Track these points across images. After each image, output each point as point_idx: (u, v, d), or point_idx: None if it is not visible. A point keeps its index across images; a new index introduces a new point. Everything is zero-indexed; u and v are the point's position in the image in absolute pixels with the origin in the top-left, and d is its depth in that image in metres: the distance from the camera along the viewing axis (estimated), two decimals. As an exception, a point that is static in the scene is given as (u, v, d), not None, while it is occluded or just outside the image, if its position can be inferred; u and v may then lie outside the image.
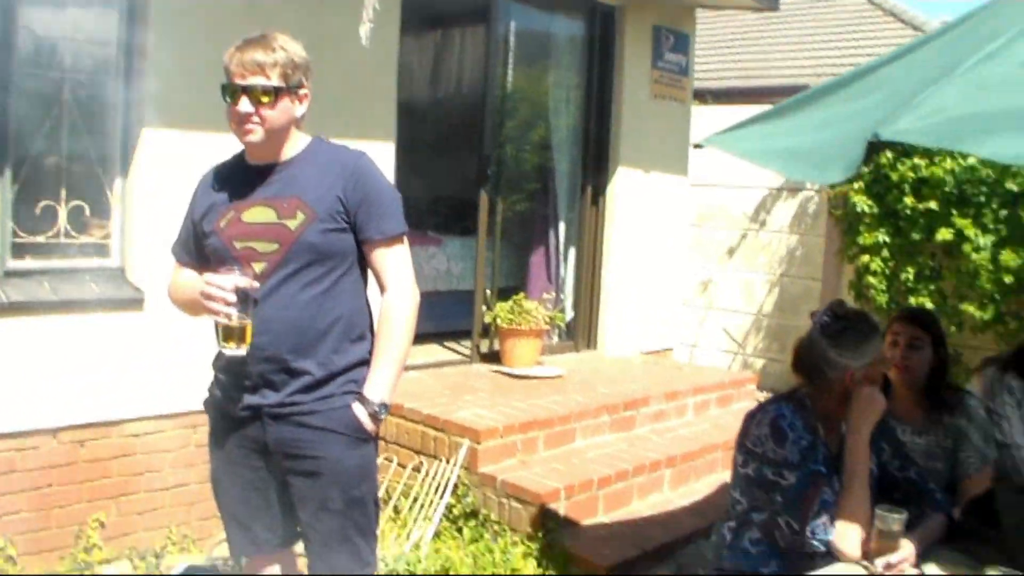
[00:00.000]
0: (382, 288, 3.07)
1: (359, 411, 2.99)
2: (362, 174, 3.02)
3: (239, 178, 3.07)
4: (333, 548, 3.08)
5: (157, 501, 5.19)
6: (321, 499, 3.03)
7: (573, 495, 5.26)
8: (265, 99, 2.89)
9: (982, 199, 7.60)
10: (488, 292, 7.29)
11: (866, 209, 8.14)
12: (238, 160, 3.14)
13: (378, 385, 3.01)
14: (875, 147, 2.32)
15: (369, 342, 3.09)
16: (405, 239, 3.11)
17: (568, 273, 8.04)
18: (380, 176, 3.08)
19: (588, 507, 5.36)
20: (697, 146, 3.62)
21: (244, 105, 2.88)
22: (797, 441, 3.03)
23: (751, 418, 3.19)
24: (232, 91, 2.90)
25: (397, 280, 3.06)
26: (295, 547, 3.29)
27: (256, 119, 2.90)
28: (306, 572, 3.27)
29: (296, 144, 3.06)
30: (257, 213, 2.99)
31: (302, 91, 3.01)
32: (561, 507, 5.19)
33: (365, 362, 3.06)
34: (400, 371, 3.09)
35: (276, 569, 3.29)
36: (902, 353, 3.84)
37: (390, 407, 3.07)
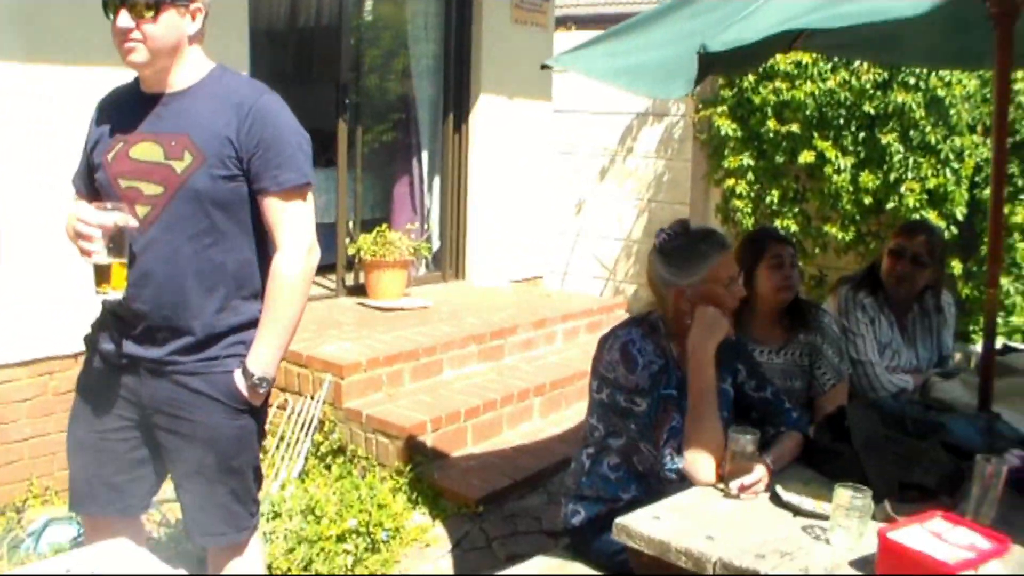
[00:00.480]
0: (275, 247, 2.84)
1: (239, 381, 2.82)
2: (260, 115, 2.76)
3: (130, 106, 2.81)
4: (207, 511, 2.94)
5: (15, 453, 4.95)
6: (195, 463, 2.87)
7: (441, 427, 5.22)
8: (147, 13, 2.62)
9: (841, 122, 7.70)
10: (351, 224, 7.15)
11: (730, 133, 8.18)
12: (133, 86, 2.87)
13: (260, 357, 2.82)
14: (716, 64, 2.27)
15: (262, 302, 2.87)
16: (308, 193, 2.88)
17: (433, 203, 7.94)
18: (283, 118, 2.83)
19: (456, 439, 5.32)
20: (544, 66, 3.54)
21: (123, 20, 2.62)
22: (648, 366, 2.99)
23: (604, 343, 3.14)
24: (111, 5, 2.64)
25: (291, 239, 2.81)
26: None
27: (137, 35, 2.64)
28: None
29: (193, 71, 2.80)
30: (145, 149, 2.74)
31: (193, 4, 2.74)
32: (429, 440, 5.14)
33: (257, 323, 2.85)
34: (287, 341, 2.89)
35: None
36: (788, 273, 3.85)
37: (272, 381, 2.89)
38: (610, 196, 9.60)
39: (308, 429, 5.15)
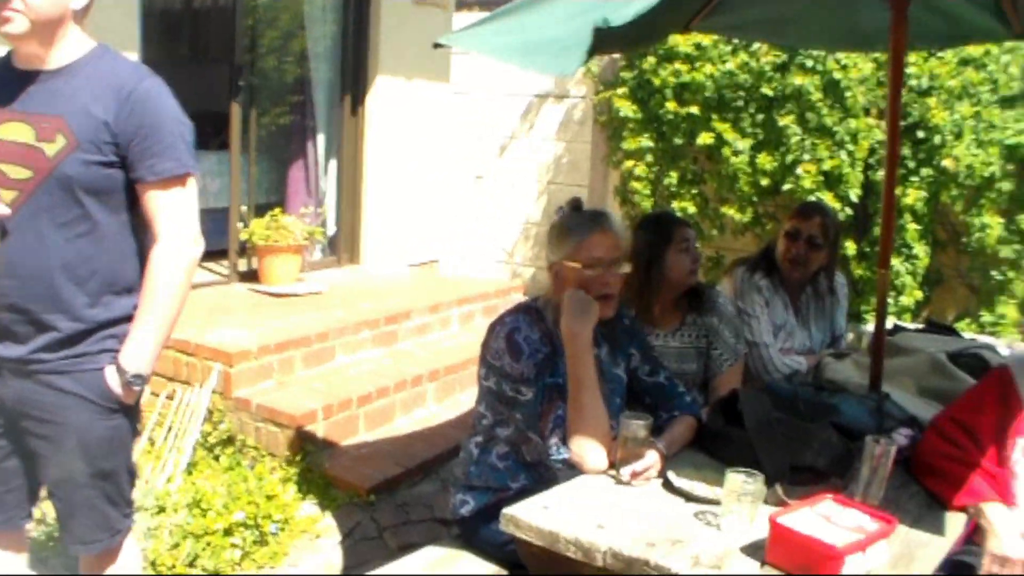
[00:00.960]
0: (154, 237, 2.68)
1: (111, 378, 2.65)
2: (141, 100, 2.59)
3: (1, 82, 2.63)
4: (79, 518, 2.79)
5: None
6: (66, 469, 2.71)
7: (332, 415, 5.10)
8: None
9: (740, 104, 7.73)
10: (244, 208, 6.96)
11: (630, 115, 8.16)
12: (5, 60, 2.68)
13: (134, 353, 2.65)
14: (611, 40, 2.20)
15: (138, 296, 2.70)
16: (191, 181, 2.74)
17: (329, 186, 7.77)
18: (165, 104, 2.66)
19: (348, 426, 5.21)
20: (437, 45, 3.43)
21: None
22: (533, 355, 2.92)
23: (492, 330, 3.06)
24: None
25: (170, 230, 2.66)
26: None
27: (18, 4, 2.46)
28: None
29: (73, 49, 2.62)
30: (14, 129, 2.56)
31: None
32: (320, 428, 5.02)
33: (131, 318, 2.68)
34: (165, 337, 2.72)
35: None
36: (696, 256, 3.83)
37: (147, 379, 2.73)
38: (509, 178, 9.54)
39: (196, 420, 4.98)
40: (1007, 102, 7.03)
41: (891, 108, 3.91)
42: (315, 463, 4.85)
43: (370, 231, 7.78)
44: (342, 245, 7.75)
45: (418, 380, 5.72)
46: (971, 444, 2.97)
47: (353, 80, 7.65)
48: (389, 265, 7.80)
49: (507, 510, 2.48)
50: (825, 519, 2.37)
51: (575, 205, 3.15)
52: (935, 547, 2.57)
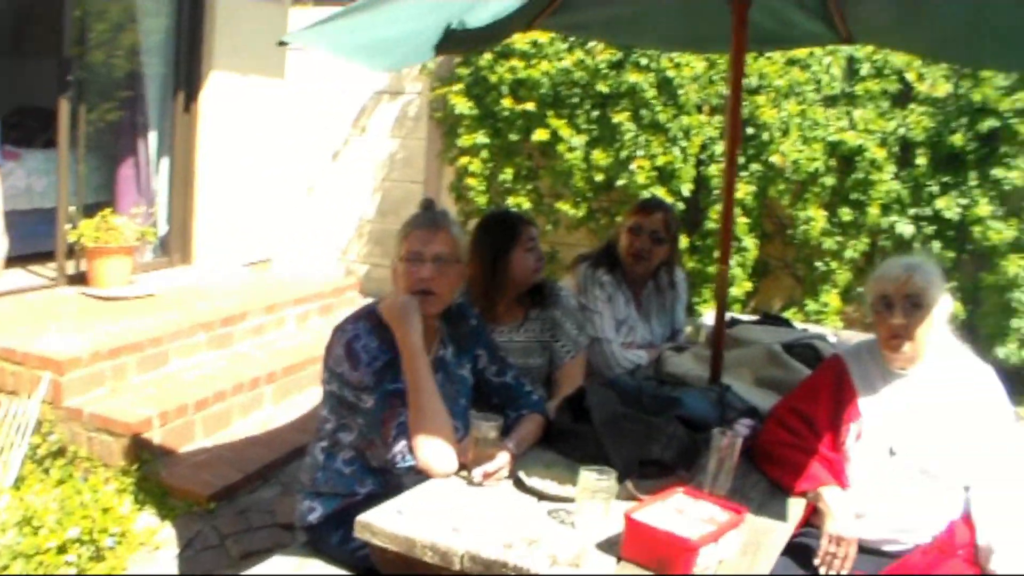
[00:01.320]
0: None
1: None
2: None
3: None
4: None
5: None
6: None
7: (168, 421, 4.96)
8: None
9: (575, 101, 7.82)
10: (73, 209, 6.69)
11: (466, 111, 8.17)
12: None
13: None
14: (457, 40, 2.17)
15: None
16: None
17: (161, 185, 7.55)
18: None
19: (185, 432, 5.08)
20: (281, 43, 3.37)
21: None
22: (371, 363, 2.88)
23: (334, 335, 3.01)
24: None
25: None
26: None
27: None
28: None
29: None
30: None
31: None
32: (156, 435, 4.88)
33: None
34: None
35: None
36: (540, 254, 3.86)
37: None
38: (344, 175, 9.43)
39: (24, 432, 4.77)
40: (829, 101, 7.31)
41: (732, 107, 3.98)
42: (152, 472, 4.71)
43: (203, 230, 7.60)
44: (174, 245, 7.54)
45: (256, 382, 5.62)
46: (808, 432, 3.09)
47: (186, 75, 7.45)
48: (223, 265, 7.63)
49: (361, 517, 2.44)
50: (678, 512, 2.42)
51: (425, 205, 3.14)
52: (780, 532, 2.66)
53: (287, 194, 8.85)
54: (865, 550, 2.91)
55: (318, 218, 9.56)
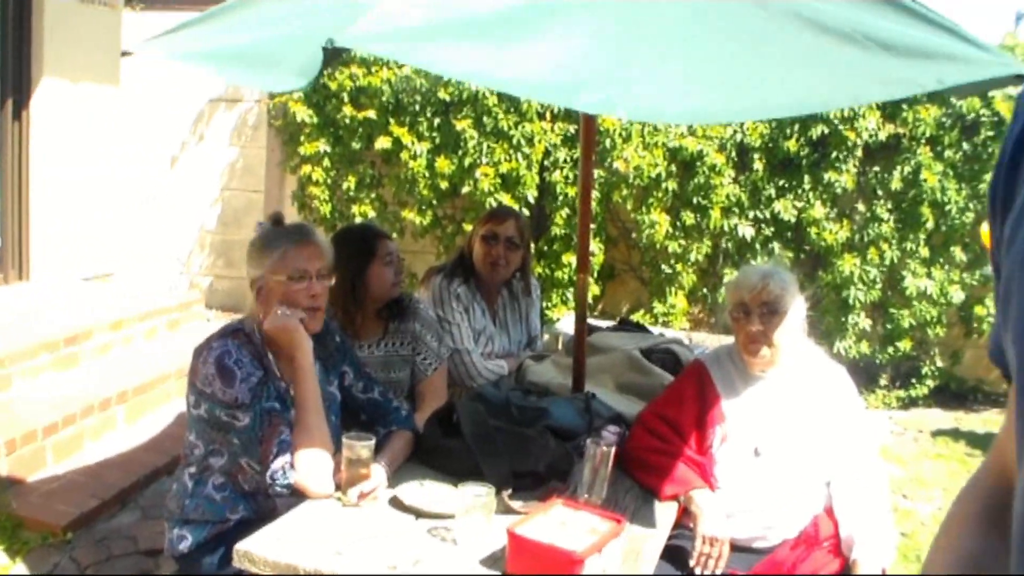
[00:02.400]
0: None
1: None
2: None
3: None
4: None
5: None
6: None
7: (16, 449, 4.73)
8: None
9: (417, 108, 7.82)
10: None
11: (307, 119, 8.10)
12: None
13: None
14: (334, 53, 2.14)
15: None
16: None
17: (-10, 198, 7.22)
18: None
19: (35, 460, 4.85)
20: (125, 53, 3.26)
21: None
22: (246, 379, 2.81)
23: (199, 355, 2.91)
24: None
25: None
26: None
27: None
28: None
29: None
30: None
31: None
32: (3, 465, 4.65)
33: None
34: None
35: None
36: (399, 268, 3.86)
37: None
38: (184, 184, 9.20)
39: None
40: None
41: (586, 116, 4.03)
42: (1, 505, 4.51)
43: (39, 244, 7.27)
44: (9, 261, 7.21)
45: (107, 404, 5.43)
46: (675, 436, 3.18)
47: (15, 82, 7.12)
48: (62, 280, 7.33)
49: (240, 545, 2.38)
50: (560, 525, 2.44)
51: (275, 219, 3.10)
52: (656, 537, 2.73)
53: (126, 205, 8.58)
54: (737, 548, 3.01)
55: (159, 229, 9.32)
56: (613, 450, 2.80)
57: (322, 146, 8.13)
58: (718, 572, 2.93)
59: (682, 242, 7.41)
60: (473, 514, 2.52)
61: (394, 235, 7.94)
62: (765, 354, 3.16)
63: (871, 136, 7.14)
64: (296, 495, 2.76)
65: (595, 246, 7.41)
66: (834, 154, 7.19)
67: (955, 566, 1.02)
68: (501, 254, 4.37)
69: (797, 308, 3.20)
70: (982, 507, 1.06)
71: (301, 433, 2.81)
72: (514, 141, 7.49)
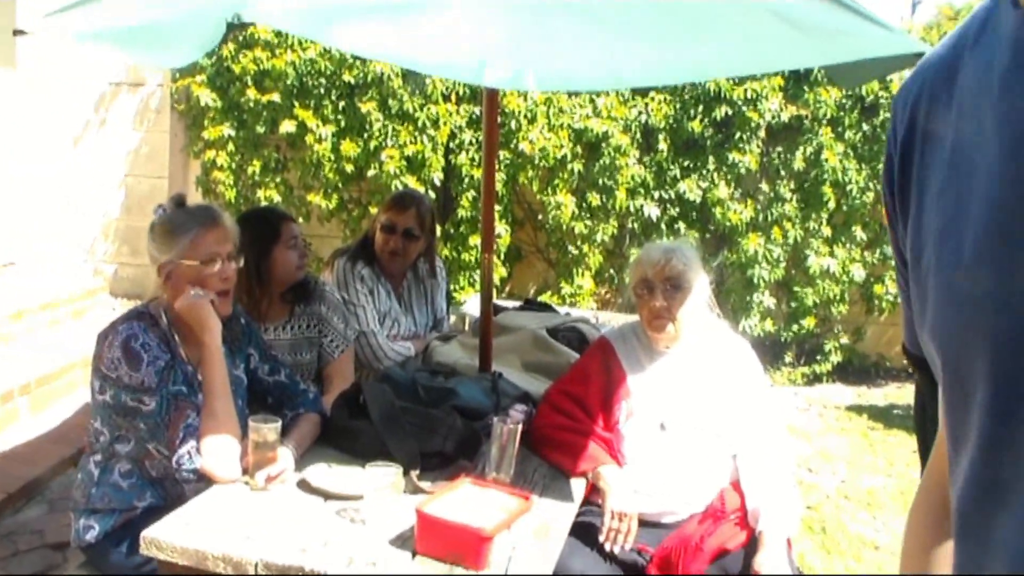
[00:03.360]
0: None
1: None
2: None
3: None
4: None
5: None
6: None
7: (-84, 445, 4.65)
8: None
9: (322, 91, 7.76)
10: None
11: (210, 103, 7.97)
12: None
13: None
14: (236, 26, 2.10)
15: None
16: None
17: None
18: None
19: (-63, 455, 4.76)
20: (19, 32, 3.17)
21: None
22: (153, 362, 2.76)
23: (103, 339, 2.84)
24: None
25: None
26: None
27: None
28: None
29: None
30: None
31: None
32: (-98, 462, 4.57)
33: None
34: None
35: None
36: (304, 251, 3.83)
37: None
38: (86, 171, 8.97)
39: None
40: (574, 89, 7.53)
41: (489, 96, 4.02)
42: (-98, 504, 4.40)
43: (-70, 236, 7.13)
44: (-97, 252, 7.06)
45: (9, 396, 5.31)
46: (582, 413, 3.20)
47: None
48: (-45, 271, 7.19)
49: (147, 532, 2.33)
50: (468, 503, 2.45)
51: (178, 201, 3.05)
52: (566, 513, 2.75)
53: (26, 192, 8.39)
54: (645, 523, 3.03)
55: (61, 217, 9.10)
56: (520, 428, 2.81)
57: (226, 130, 8.02)
58: (627, 547, 2.96)
59: (588, 223, 7.46)
60: (381, 494, 2.52)
61: (300, 219, 7.89)
62: (669, 330, 3.19)
63: (774, 117, 7.26)
64: (204, 480, 2.73)
65: (501, 228, 7.43)
66: (738, 135, 7.29)
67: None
68: (399, 245, 4.36)
69: (701, 284, 3.24)
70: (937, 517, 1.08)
71: (208, 418, 2.78)
72: (419, 123, 7.48)
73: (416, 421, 3.01)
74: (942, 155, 0.92)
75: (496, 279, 7.45)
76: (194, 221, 2.93)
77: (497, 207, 7.34)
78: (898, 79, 6.96)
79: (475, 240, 7.44)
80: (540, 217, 7.72)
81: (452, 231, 7.68)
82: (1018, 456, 0.80)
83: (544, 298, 7.09)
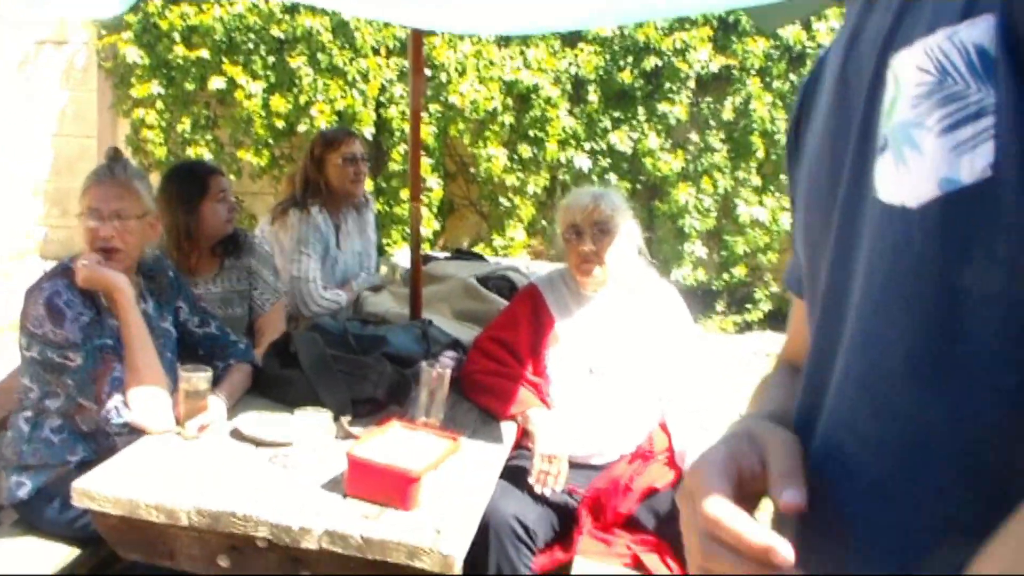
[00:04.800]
0: None
1: None
2: None
3: None
4: None
5: None
6: None
7: None
8: None
9: (251, 46, 7.68)
10: None
11: (138, 60, 7.87)
12: None
13: None
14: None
15: None
16: None
17: None
18: None
19: None
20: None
21: None
22: (77, 319, 2.75)
23: (29, 296, 2.83)
24: None
25: None
26: None
27: None
28: None
29: None
30: None
31: None
32: None
33: None
34: None
35: None
36: (232, 205, 3.82)
37: None
38: (12, 132, 8.83)
39: None
40: (503, 41, 7.52)
41: (414, 48, 4.02)
42: None
43: None
44: None
45: (-64, 357, 5.27)
46: (511, 359, 3.24)
47: None
48: None
49: (78, 483, 2.34)
50: (397, 445, 2.47)
51: (109, 155, 3.02)
52: (496, 454, 2.79)
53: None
54: (575, 465, 3.07)
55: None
56: (448, 371, 2.85)
57: (155, 88, 7.94)
58: (558, 489, 3.00)
59: (520, 175, 7.49)
60: (311, 440, 2.54)
61: (232, 177, 7.83)
62: (597, 273, 3.23)
63: (703, 68, 7.31)
64: (135, 433, 2.73)
65: (433, 181, 7.45)
66: (667, 85, 7.33)
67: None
68: (359, 171, 4.46)
69: (628, 229, 3.28)
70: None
71: (132, 371, 2.77)
72: (349, 78, 7.45)
73: (347, 369, 3.03)
74: (817, 113, 1.00)
75: (429, 232, 7.48)
76: (91, 177, 2.93)
77: (428, 160, 7.38)
78: (825, 29, 7.05)
79: (407, 194, 7.42)
80: (472, 170, 7.73)
81: (384, 185, 7.67)
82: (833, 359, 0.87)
83: (477, 250, 7.11)
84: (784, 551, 0.79)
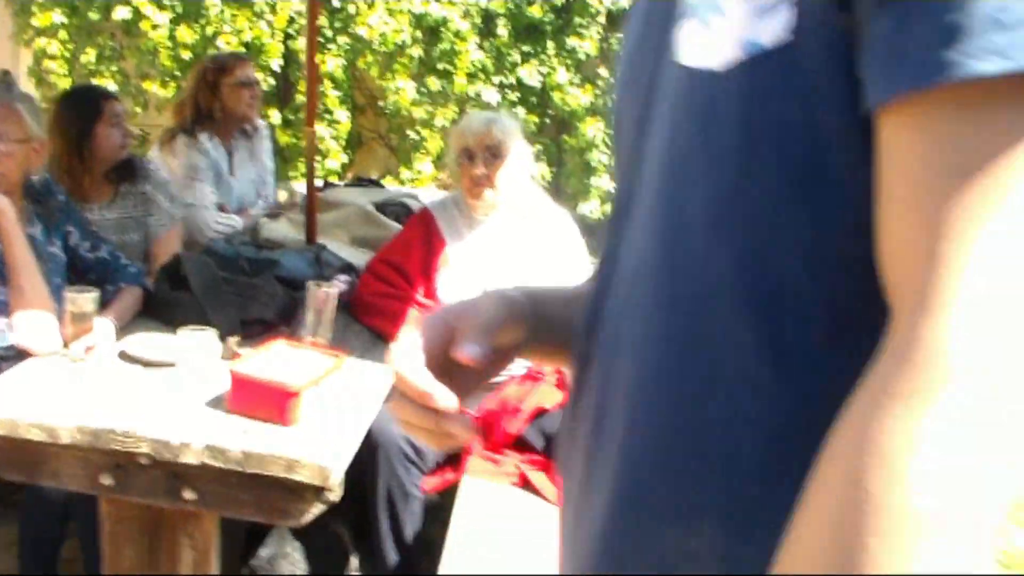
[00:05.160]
0: None
1: None
2: None
3: None
4: None
5: None
6: None
7: None
8: None
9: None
10: None
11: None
12: None
13: None
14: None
15: None
16: None
17: None
18: None
19: None
20: None
21: None
22: None
23: None
24: None
25: None
26: None
27: None
28: None
29: None
30: None
31: None
32: None
33: None
34: None
35: None
36: (126, 130, 3.81)
37: None
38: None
39: None
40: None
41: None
42: None
43: None
44: None
45: None
46: (403, 281, 3.27)
47: None
48: None
49: (-46, 402, 2.34)
50: (280, 362, 2.49)
51: (1, 79, 2.99)
52: (384, 375, 2.81)
53: None
54: (464, 385, 3.12)
55: None
56: (335, 291, 2.87)
57: (57, 16, 7.71)
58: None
59: (428, 108, 7.47)
60: (196, 359, 2.54)
61: (138, 109, 7.71)
62: (488, 196, 3.27)
63: (614, 3, 7.31)
64: (22, 356, 2.72)
65: (342, 113, 7.39)
66: (577, 20, 7.33)
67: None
68: (256, 94, 4.48)
69: (521, 152, 3.31)
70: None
71: (16, 294, 2.76)
72: (256, 8, 7.34)
73: (237, 290, 3.05)
74: None
75: (337, 165, 7.44)
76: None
77: (337, 93, 7.33)
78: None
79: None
80: (380, 103, 7.68)
81: (292, 117, 7.61)
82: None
83: (386, 183, 7.10)
84: (442, 397, 0.91)
